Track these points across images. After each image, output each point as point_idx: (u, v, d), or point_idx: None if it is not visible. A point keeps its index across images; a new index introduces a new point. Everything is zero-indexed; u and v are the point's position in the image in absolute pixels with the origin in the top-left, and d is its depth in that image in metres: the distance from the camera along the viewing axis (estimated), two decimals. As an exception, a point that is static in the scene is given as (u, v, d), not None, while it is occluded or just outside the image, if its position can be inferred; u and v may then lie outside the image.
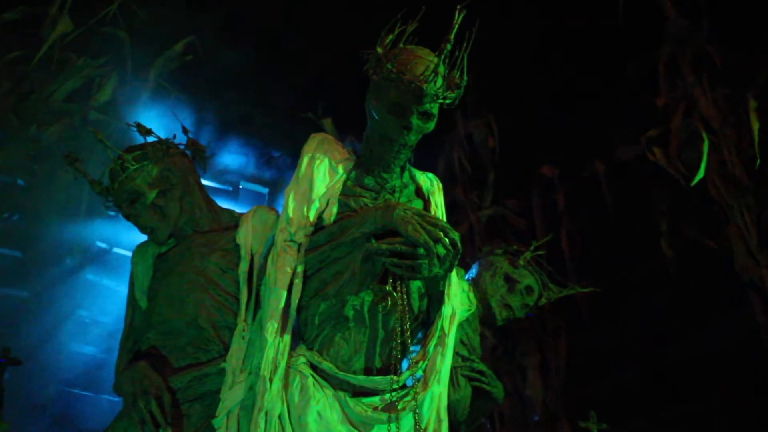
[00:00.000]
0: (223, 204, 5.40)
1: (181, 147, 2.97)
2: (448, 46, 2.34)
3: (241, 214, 2.90)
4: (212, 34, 4.99)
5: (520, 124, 5.26)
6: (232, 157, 5.53)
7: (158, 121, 4.83)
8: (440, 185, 2.80)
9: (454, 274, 2.60)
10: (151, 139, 2.88)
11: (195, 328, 2.59)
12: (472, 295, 3.30)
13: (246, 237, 2.71)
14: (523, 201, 5.53)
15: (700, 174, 4.26)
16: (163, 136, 4.22)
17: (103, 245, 4.41)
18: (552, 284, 3.52)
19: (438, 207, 2.70)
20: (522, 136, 5.30)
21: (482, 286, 3.42)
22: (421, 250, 2.25)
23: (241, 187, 5.65)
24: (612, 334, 4.80)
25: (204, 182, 5.52)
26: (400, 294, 2.33)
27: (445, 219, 2.72)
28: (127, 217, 2.81)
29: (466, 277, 3.58)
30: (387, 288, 2.30)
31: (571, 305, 4.92)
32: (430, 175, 2.81)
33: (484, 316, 3.38)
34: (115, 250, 4.54)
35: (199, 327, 2.59)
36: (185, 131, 3.04)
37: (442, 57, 2.32)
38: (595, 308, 4.89)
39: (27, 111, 4.23)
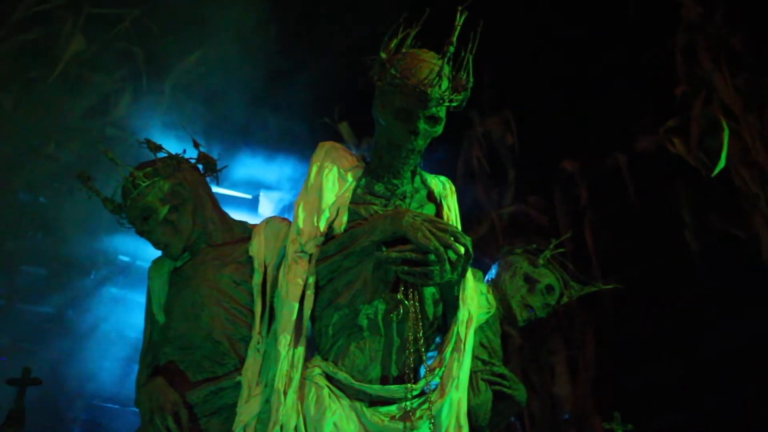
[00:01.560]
0: (244, 213, 5.46)
1: (193, 161, 2.99)
2: (451, 49, 2.31)
3: (254, 226, 2.89)
4: (227, 44, 4.98)
5: (539, 119, 5.18)
6: (251, 166, 5.53)
7: (175, 133, 4.86)
8: (453, 188, 2.76)
9: (470, 277, 2.58)
10: (162, 154, 2.90)
11: (210, 342, 2.59)
12: (491, 297, 3.26)
13: (259, 249, 2.71)
14: (546, 197, 5.45)
15: (721, 164, 4.15)
16: (182, 148, 4.23)
17: (126, 259, 4.45)
18: (573, 282, 3.46)
19: (451, 210, 2.67)
20: (541, 131, 5.22)
21: (502, 287, 3.37)
22: (432, 257, 2.23)
23: (260, 195, 5.67)
24: (640, 328, 4.71)
25: (223, 191, 5.60)
26: (412, 302, 2.31)
27: (459, 221, 2.69)
28: (141, 234, 2.82)
29: (486, 278, 3.53)
30: (398, 296, 2.29)
31: (597, 301, 4.84)
32: (443, 178, 2.78)
33: (505, 317, 3.33)
34: (138, 263, 4.58)
35: (215, 341, 2.59)
36: (196, 145, 3.04)
37: (445, 60, 2.29)
38: (621, 303, 4.80)
39: (45, 129, 4.29)
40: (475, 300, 2.59)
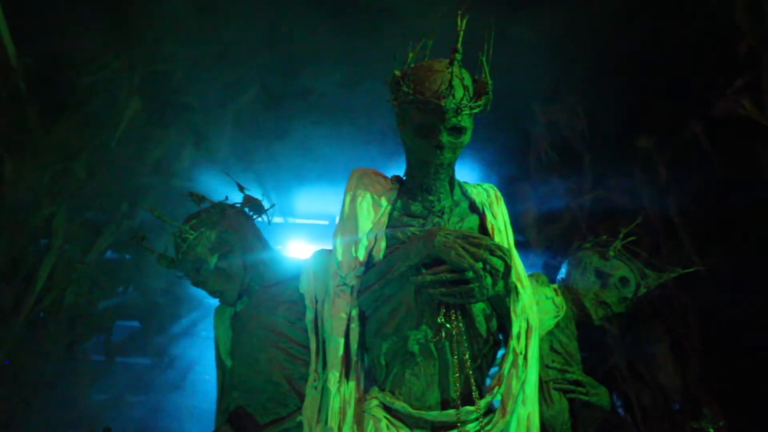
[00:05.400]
0: (320, 240, 5.49)
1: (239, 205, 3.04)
2: (458, 56, 2.22)
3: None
4: (277, 76, 5.01)
5: (605, 99, 4.91)
6: (323, 192, 5.57)
7: (242, 174, 4.95)
8: (498, 194, 2.66)
9: (527, 284, 2.47)
10: (206, 204, 2.97)
11: (271, 384, 2.62)
12: (559, 299, 3.09)
13: (308, 285, 2.69)
14: (626, 178, 5.16)
15: (791, 123, 3.77)
16: (250, 184, 4.30)
17: (212, 301, 4.57)
18: (649, 270, 3.24)
19: (497, 217, 2.56)
20: (609, 111, 4.96)
21: (573, 286, 3.21)
22: (470, 274, 2.14)
23: (336, 220, 5.68)
24: (745, 303, 4.35)
25: (298, 221, 5.65)
26: (455, 323, 2.23)
27: (509, 227, 2.58)
28: (196, 285, 2.90)
29: (558, 277, 3.38)
30: (439, 320, 2.21)
31: (695, 281, 4.52)
32: (486, 185, 2.68)
33: (579, 317, 3.17)
34: (224, 303, 4.69)
35: (275, 383, 2.62)
36: (241, 188, 3.09)
37: (452, 68, 2.21)
38: (722, 279, 4.47)
39: (118, 191, 4.50)
40: (535, 309, 2.47)
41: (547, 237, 5.20)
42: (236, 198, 3.15)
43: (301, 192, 5.40)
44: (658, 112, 4.77)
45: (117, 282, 4.60)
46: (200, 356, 4.43)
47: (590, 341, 4.65)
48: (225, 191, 3.21)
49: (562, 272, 3.34)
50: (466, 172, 4.98)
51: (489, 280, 2.17)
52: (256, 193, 3.18)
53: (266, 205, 3.16)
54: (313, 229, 5.75)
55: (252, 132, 5.00)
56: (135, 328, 4.61)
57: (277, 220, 5.47)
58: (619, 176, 5.12)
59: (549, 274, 3.56)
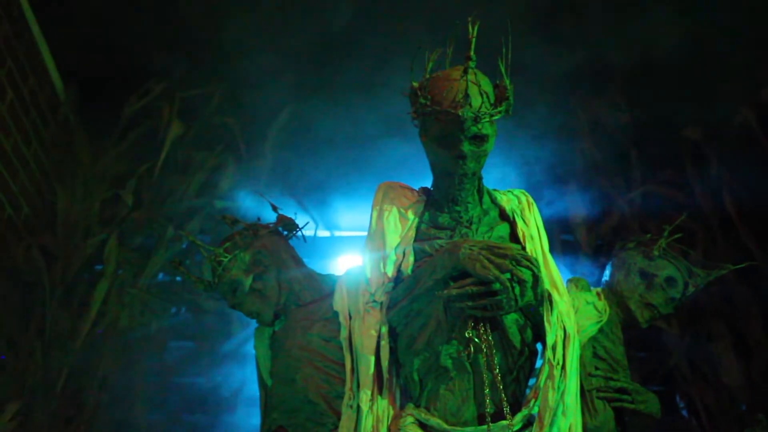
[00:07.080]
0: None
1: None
2: (471, 63, 2.19)
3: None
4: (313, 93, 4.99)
5: (649, 90, 4.75)
6: (366, 201, 5.53)
7: (285, 189, 4.98)
8: (530, 199, 2.62)
9: (563, 291, 2.41)
10: (239, 227, 3.00)
11: (309, 404, 2.62)
12: (600, 303, 2.98)
13: (341, 302, 2.69)
14: (676, 172, 4.97)
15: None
16: (289, 203, 4.31)
17: (260, 319, 4.61)
18: (697, 268, 3.10)
19: (529, 224, 2.52)
20: (654, 102, 4.79)
21: (617, 289, 3.09)
22: (497, 285, 2.10)
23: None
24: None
25: (344, 233, 5.63)
26: (485, 336, 2.18)
27: (542, 233, 2.53)
28: (233, 307, 2.93)
29: (602, 279, 3.28)
30: (467, 334, 2.17)
31: (757, 274, 4.34)
32: (517, 191, 2.64)
33: (625, 321, 3.05)
34: (272, 321, 4.71)
35: (312, 402, 2.61)
36: (274, 208, 3.11)
37: (467, 76, 2.17)
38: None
39: (165, 214, 4.59)
40: (572, 316, 2.40)
41: (597, 236, 5.06)
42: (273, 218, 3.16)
43: (350, 203, 5.37)
44: (706, 100, 4.59)
45: (169, 304, 4.69)
46: (251, 374, 4.45)
47: (649, 342, 4.51)
48: (269, 210, 3.23)
49: (606, 274, 3.23)
50: (508, 173, 4.89)
51: (517, 290, 2.12)
52: (301, 209, 3.19)
53: (304, 222, 3.18)
54: (358, 241, 5.73)
55: (291, 149, 5.00)
56: (188, 347, 4.69)
57: (323, 234, 5.48)
58: (668, 170, 4.95)
59: (600, 274, 3.46)
